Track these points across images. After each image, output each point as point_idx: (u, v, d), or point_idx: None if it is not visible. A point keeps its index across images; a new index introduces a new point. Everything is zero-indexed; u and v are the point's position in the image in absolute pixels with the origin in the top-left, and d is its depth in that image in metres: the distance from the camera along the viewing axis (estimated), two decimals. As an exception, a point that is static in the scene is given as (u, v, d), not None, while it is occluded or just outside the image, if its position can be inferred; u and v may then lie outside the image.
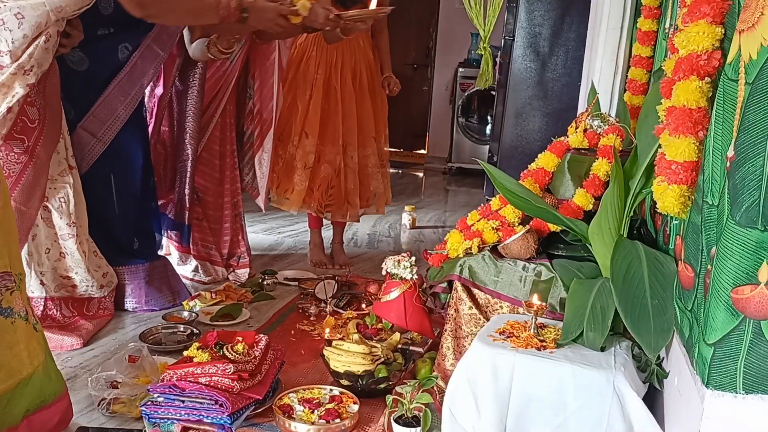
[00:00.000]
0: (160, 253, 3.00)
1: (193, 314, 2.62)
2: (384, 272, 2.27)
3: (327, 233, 3.60)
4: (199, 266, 3.08)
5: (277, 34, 2.75)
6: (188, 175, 2.95)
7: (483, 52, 6.33)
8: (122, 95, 2.49)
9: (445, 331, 2.05)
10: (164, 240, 3.14)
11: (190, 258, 3.09)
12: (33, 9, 2.05)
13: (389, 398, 1.83)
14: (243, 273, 3.14)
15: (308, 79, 3.18)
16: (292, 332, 2.55)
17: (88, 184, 2.47)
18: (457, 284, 2.00)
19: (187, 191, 2.96)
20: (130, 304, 2.67)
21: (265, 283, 3.00)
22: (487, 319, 1.91)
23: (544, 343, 1.57)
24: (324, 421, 1.81)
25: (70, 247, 2.32)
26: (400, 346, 2.22)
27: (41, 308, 2.34)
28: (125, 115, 2.51)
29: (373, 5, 2.65)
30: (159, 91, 2.88)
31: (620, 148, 2.00)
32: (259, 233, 4.01)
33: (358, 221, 3.51)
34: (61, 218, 2.29)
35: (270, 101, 3.05)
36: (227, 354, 1.84)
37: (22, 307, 1.63)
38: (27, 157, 2.18)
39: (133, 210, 2.67)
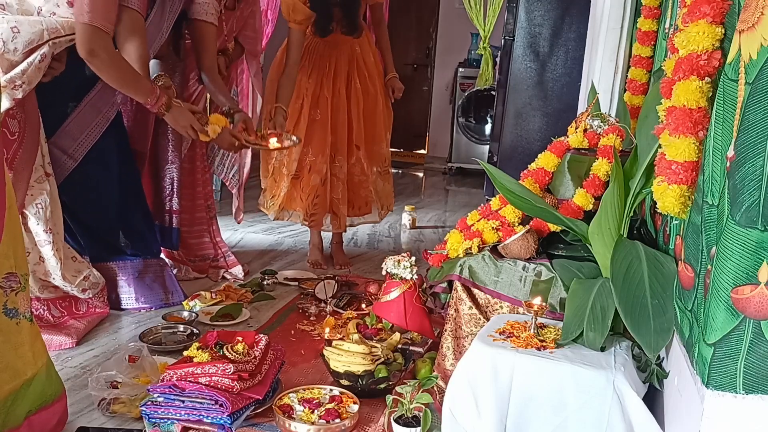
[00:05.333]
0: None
1: (193, 314, 2.62)
2: (384, 272, 2.27)
3: (327, 233, 3.60)
4: (182, 268, 3.11)
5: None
6: (175, 181, 2.98)
7: (483, 52, 6.34)
8: (94, 113, 2.50)
9: (445, 331, 2.05)
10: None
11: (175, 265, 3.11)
12: (30, 26, 2.09)
13: (389, 398, 1.83)
14: (238, 271, 3.15)
15: (300, 88, 3.18)
16: (292, 332, 2.55)
17: (62, 186, 2.46)
18: (457, 284, 2.00)
19: (174, 197, 2.99)
20: (122, 300, 2.67)
21: (265, 283, 3.00)
22: (487, 319, 1.91)
23: (544, 343, 1.57)
24: (324, 421, 1.81)
25: (47, 254, 2.32)
26: (400, 346, 2.22)
27: None
28: (97, 132, 2.51)
29: (272, 144, 2.81)
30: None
31: (620, 148, 2.00)
32: (259, 233, 4.01)
33: (345, 231, 3.50)
34: (38, 224, 2.28)
35: (247, 110, 3.19)
36: (227, 354, 1.84)
37: (27, 307, 1.63)
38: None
39: (114, 210, 2.66)
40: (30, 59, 2.10)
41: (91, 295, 2.52)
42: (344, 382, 2.01)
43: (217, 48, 2.87)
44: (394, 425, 1.77)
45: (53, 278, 2.36)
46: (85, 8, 2.12)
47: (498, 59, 4.53)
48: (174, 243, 3.04)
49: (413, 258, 2.25)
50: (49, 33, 2.11)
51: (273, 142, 2.81)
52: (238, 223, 3.45)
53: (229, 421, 1.76)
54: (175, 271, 3.01)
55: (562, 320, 1.66)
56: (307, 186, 3.25)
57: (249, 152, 3.23)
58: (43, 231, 2.29)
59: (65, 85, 2.40)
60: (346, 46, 3.19)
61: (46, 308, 2.39)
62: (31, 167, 2.27)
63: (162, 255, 2.97)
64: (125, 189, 2.70)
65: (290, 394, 1.93)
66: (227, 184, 3.32)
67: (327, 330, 2.37)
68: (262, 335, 2.00)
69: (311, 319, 2.68)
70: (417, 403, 1.77)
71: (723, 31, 1.31)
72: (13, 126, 2.20)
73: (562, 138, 2.17)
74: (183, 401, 1.77)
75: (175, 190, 2.99)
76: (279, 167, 3.29)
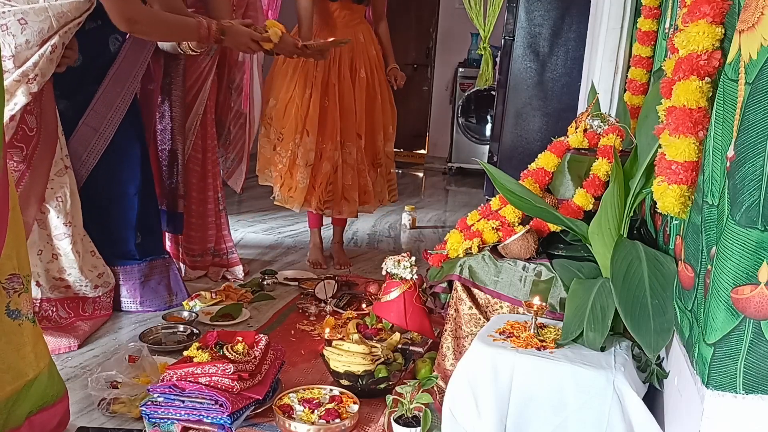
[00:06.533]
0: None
1: (193, 314, 2.62)
2: (384, 272, 2.27)
3: (327, 233, 3.60)
4: (182, 267, 3.10)
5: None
6: (179, 165, 2.96)
7: (483, 52, 6.34)
8: (118, 87, 2.50)
9: (445, 331, 2.05)
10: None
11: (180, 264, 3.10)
12: (36, 15, 2.07)
13: (389, 398, 1.83)
14: (238, 270, 3.15)
15: (308, 78, 3.18)
16: (292, 332, 2.55)
17: (88, 182, 2.47)
18: (457, 284, 2.00)
19: (180, 182, 2.98)
20: (125, 304, 2.67)
21: (265, 283, 3.00)
22: (487, 319, 1.91)
23: (544, 343, 1.57)
24: (324, 421, 1.81)
25: (64, 248, 2.32)
26: (400, 346, 2.22)
27: (36, 310, 2.33)
28: (124, 107, 2.53)
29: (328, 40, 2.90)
30: (151, 86, 2.88)
31: (620, 148, 2.00)
32: (259, 233, 4.01)
33: (356, 217, 3.50)
34: (58, 217, 2.29)
35: (246, 96, 3.18)
36: (227, 354, 1.84)
37: (29, 309, 1.63)
38: (25, 166, 2.19)
39: (136, 205, 2.66)
40: (41, 51, 2.09)
41: (101, 293, 2.52)
42: (344, 382, 2.01)
43: (230, 4, 2.85)
44: (394, 425, 1.77)
45: (69, 273, 2.35)
46: None
47: (498, 59, 4.53)
48: (177, 227, 3.03)
49: (413, 258, 2.25)
50: (56, 19, 2.10)
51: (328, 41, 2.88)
52: (238, 191, 3.41)
53: (229, 421, 1.76)
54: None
55: (562, 320, 1.66)
56: (320, 173, 3.25)
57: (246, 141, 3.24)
58: (63, 224, 2.30)
59: (93, 68, 2.42)
60: (349, 33, 3.19)
61: (54, 309, 2.39)
62: (51, 161, 2.27)
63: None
64: (144, 182, 2.69)
65: (290, 394, 1.93)
66: (225, 173, 3.31)
67: (327, 330, 2.37)
68: (262, 335, 2.00)
69: (311, 319, 2.68)
70: (417, 403, 1.77)
71: (723, 31, 1.31)
72: (31, 122, 2.19)
73: (562, 138, 2.17)
74: (183, 401, 1.77)
75: (179, 174, 2.97)
76: (293, 159, 3.26)
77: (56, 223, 2.30)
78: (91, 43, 2.35)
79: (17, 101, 2.08)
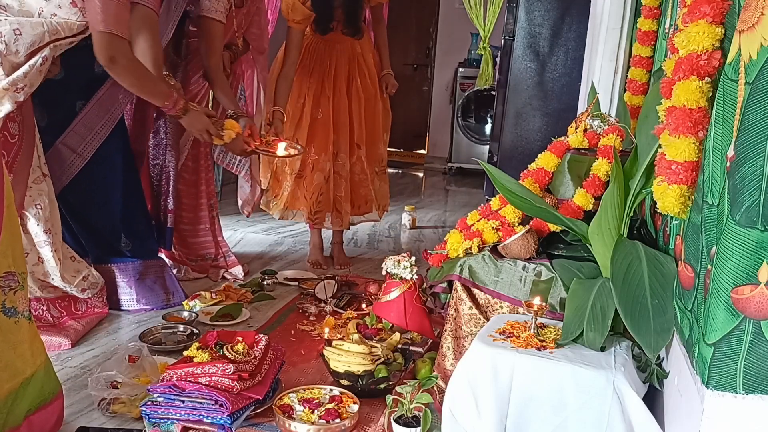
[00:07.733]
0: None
1: (193, 314, 2.62)
2: (384, 272, 2.27)
3: (327, 233, 3.60)
4: (182, 268, 3.11)
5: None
6: (171, 180, 2.97)
7: (483, 52, 6.34)
8: (102, 111, 2.49)
9: (445, 331, 2.05)
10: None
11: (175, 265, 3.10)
12: (32, 27, 2.09)
13: (389, 398, 1.83)
14: (238, 271, 3.15)
15: (301, 88, 3.19)
16: (292, 332, 2.55)
17: (69, 187, 2.46)
18: (457, 284, 2.00)
19: (170, 196, 2.98)
20: (122, 302, 2.67)
21: (265, 283, 3.00)
22: (487, 319, 1.91)
23: (544, 343, 1.57)
24: (324, 421, 1.81)
25: (46, 254, 2.31)
26: (400, 346, 2.22)
27: None
28: (105, 131, 2.51)
29: (280, 151, 2.89)
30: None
31: (620, 148, 2.00)
32: (259, 233, 4.01)
33: (348, 228, 3.49)
34: (38, 225, 2.28)
35: (250, 101, 3.19)
36: (227, 354, 1.84)
37: (25, 306, 1.64)
38: (6, 172, 2.18)
39: (118, 211, 2.65)
40: (32, 62, 2.10)
41: (90, 295, 2.51)
42: (344, 382, 2.01)
43: (223, 46, 2.86)
44: (394, 425, 1.77)
45: (52, 278, 2.36)
46: (99, 16, 2.12)
47: (498, 59, 4.53)
48: (167, 242, 3.03)
49: (413, 258, 2.25)
50: (50, 35, 2.11)
51: (281, 149, 2.87)
52: (247, 216, 3.41)
53: (229, 421, 1.76)
54: (174, 271, 3.01)
55: (562, 320, 1.66)
56: (311, 185, 3.26)
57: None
58: (43, 232, 2.29)
59: (75, 83, 2.40)
60: (347, 45, 3.19)
61: (45, 308, 2.39)
62: (29, 168, 2.27)
63: (162, 255, 2.96)
64: (128, 190, 2.69)
65: (290, 394, 1.93)
66: (234, 170, 3.28)
67: (327, 330, 2.37)
68: (262, 335, 2.00)
69: (311, 319, 2.68)
70: (417, 403, 1.77)
71: (723, 31, 1.31)
72: (13, 129, 2.20)
73: (562, 138, 2.17)
74: (183, 401, 1.77)
75: (170, 189, 2.98)
76: (282, 167, 3.29)
77: (36, 230, 2.28)
78: (77, 60, 2.31)
79: (2, 109, 2.07)
